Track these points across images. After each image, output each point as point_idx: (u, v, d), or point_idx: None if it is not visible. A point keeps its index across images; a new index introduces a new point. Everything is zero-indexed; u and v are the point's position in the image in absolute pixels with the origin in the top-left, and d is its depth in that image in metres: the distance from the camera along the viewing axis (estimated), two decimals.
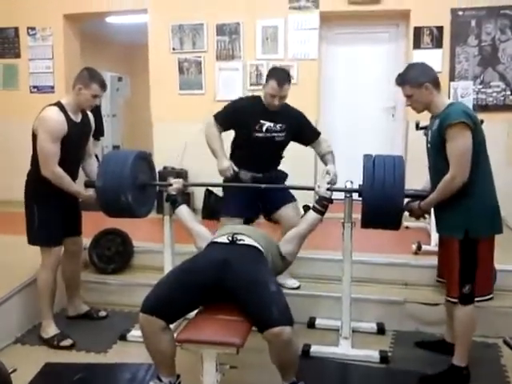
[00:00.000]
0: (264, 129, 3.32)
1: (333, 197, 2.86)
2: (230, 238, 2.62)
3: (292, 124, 3.39)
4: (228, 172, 3.32)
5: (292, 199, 3.48)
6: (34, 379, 2.75)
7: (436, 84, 2.64)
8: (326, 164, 3.41)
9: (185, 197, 3.17)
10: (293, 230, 2.85)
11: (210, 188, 4.96)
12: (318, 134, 3.52)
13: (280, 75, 3.27)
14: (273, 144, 3.38)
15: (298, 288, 3.52)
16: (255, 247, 2.59)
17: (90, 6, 5.57)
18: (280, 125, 3.35)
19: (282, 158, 3.56)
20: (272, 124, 3.33)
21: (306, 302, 3.42)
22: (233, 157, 3.46)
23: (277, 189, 3.40)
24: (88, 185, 3.18)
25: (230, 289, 2.33)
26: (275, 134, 3.35)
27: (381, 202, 2.63)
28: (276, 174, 3.50)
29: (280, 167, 3.59)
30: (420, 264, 3.57)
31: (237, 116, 3.37)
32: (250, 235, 2.65)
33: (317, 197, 2.88)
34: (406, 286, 3.55)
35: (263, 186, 3.18)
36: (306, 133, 3.48)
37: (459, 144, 2.48)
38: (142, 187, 3.10)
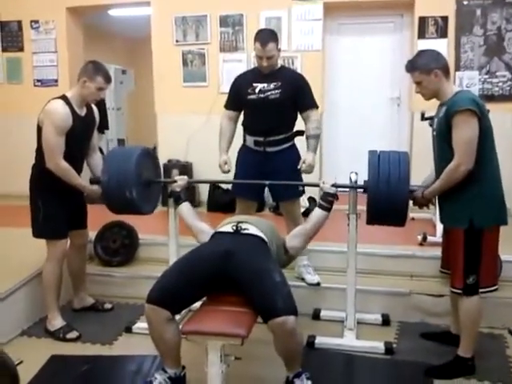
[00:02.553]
0: (257, 90, 3.30)
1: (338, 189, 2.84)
2: (235, 228, 2.62)
3: (289, 83, 3.29)
4: (222, 167, 3.38)
5: (295, 196, 3.45)
6: (40, 371, 2.77)
7: (446, 71, 2.61)
8: (307, 148, 3.35)
9: (188, 192, 3.16)
10: (300, 227, 2.85)
11: None
12: (315, 105, 3.37)
13: (263, 36, 3.24)
14: (268, 104, 3.28)
15: (318, 284, 3.45)
16: (259, 237, 2.58)
17: None
18: (274, 83, 3.28)
19: (286, 121, 3.37)
20: (265, 84, 3.29)
21: (310, 294, 3.43)
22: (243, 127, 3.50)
23: (282, 177, 3.26)
24: (93, 181, 3.18)
25: (234, 278, 2.33)
26: (269, 93, 3.28)
27: (386, 199, 2.62)
28: (281, 140, 3.35)
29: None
30: (425, 255, 3.56)
31: (236, 90, 3.42)
32: (255, 224, 2.65)
33: (321, 193, 2.85)
34: (411, 277, 3.54)
35: (267, 182, 3.18)
36: (302, 96, 3.32)
37: (465, 132, 2.45)
38: (146, 184, 3.09)
